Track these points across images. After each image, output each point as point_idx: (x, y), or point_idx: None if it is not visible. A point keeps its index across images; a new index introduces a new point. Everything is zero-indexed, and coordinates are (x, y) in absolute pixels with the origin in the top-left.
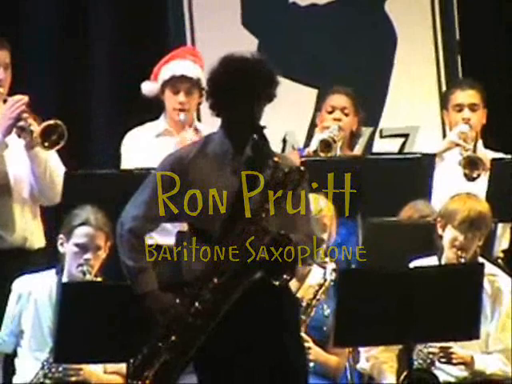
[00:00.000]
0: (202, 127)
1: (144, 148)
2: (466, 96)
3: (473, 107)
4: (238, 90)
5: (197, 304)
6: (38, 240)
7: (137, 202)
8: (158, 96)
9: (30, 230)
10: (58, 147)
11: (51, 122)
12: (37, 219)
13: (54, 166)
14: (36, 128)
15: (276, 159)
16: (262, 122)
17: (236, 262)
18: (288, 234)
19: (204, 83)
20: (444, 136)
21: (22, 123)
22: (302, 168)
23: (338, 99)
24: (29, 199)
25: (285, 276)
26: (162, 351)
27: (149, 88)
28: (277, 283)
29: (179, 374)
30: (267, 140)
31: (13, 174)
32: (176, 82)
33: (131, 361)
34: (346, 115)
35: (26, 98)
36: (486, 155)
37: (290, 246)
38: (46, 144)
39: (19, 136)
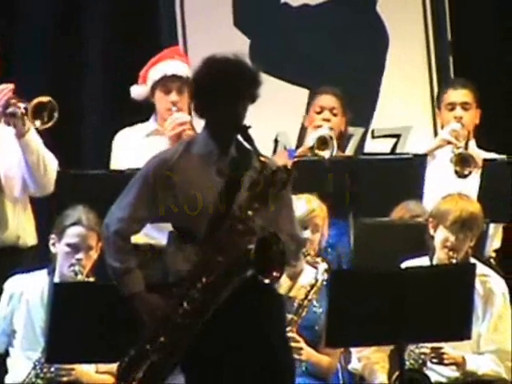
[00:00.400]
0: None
1: (134, 147)
2: (459, 95)
3: (465, 106)
4: (221, 91)
5: (185, 304)
6: (30, 237)
7: (122, 204)
8: (147, 99)
9: (22, 228)
10: (50, 124)
11: (42, 98)
12: (29, 216)
13: (46, 153)
14: (28, 107)
15: (263, 159)
16: (254, 122)
17: (224, 262)
18: (276, 232)
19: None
20: (436, 136)
21: (11, 109)
22: (288, 167)
23: (327, 100)
24: (20, 196)
25: (274, 274)
26: (149, 353)
27: (138, 91)
28: (267, 281)
29: (167, 375)
30: (252, 139)
31: (3, 171)
32: (167, 82)
33: (118, 363)
34: (335, 115)
35: (11, 86)
36: (479, 155)
37: (279, 243)
38: (39, 122)
39: (8, 124)
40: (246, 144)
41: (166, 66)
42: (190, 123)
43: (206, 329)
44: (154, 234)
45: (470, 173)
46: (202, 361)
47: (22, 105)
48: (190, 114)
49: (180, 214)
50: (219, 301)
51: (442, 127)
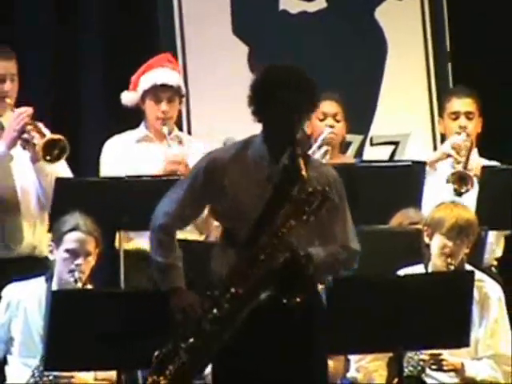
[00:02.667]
0: (182, 135)
1: (123, 153)
2: (463, 104)
3: (469, 115)
4: (280, 100)
5: (215, 311)
6: (46, 248)
7: (170, 199)
8: (138, 105)
9: (38, 239)
10: (60, 161)
11: (54, 136)
12: (45, 229)
13: (60, 173)
14: (39, 141)
15: (303, 174)
16: (254, 129)
17: (254, 276)
18: (310, 253)
19: (183, 90)
20: (434, 143)
21: (25, 135)
22: (326, 189)
23: (329, 106)
24: (37, 212)
25: (297, 299)
26: (181, 351)
27: (128, 98)
28: (286, 302)
29: (193, 377)
30: (298, 154)
31: (20, 186)
32: (157, 91)
33: (154, 355)
34: (338, 121)
35: (30, 110)
36: (480, 165)
37: (308, 265)
38: (48, 158)
39: (24, 148)
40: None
41: (156, 74)
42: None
43: (237, 337)
44: None
45: (468, 191)
46: (232, 372)
47: (35, 134)
48: (177, 122)
49: (226, 215)
50: (244, 313)
51: (444, 136)
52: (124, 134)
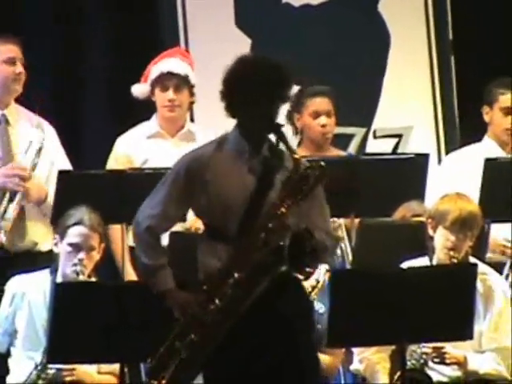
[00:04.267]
0: (194, 128)
1: (135, 150)
2: None
3: None
4: (254, 91)
5: (217, 301)
6: (46, 243)
7: (153, 201)
8: (148, 98)
9: (40, 234)
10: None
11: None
12: (45, 223)
13: None
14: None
15: (296, 156)
16: None
17: (256, 258)
18: (308, 228)
19: (193, 80)
20: (437, 136)
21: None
22: (322, 163)
23: (322, 104)
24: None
25: (308, 269)
26: (179, 350)
27: (139, 90)
28: (300, 276)
29: (196, 374)
30: (286, 137)
31: None
32: (164, 80)
33: (148, 360)
34: (329, 117)
35: (26, 174)
36: None
37: (311, 239)
38: None
39: None
40: (278, 144)
41: (164, 64)
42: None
43: (232, 329)
44: None
45: None
46: (224, 360)
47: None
48: (189, 109)
49: (212, 211)
50: (252, 298)
51: (490, 123)
52: (135, 129)
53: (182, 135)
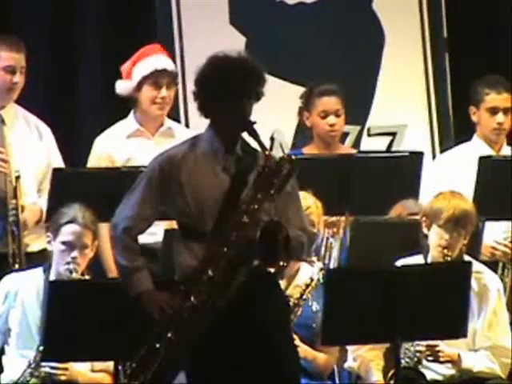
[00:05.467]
0: (174, 125)
1: (115, 150)
2: (503, 100)
3: (507, 111)
4: (226, 90)
5: (193, 298)
6: (39, 242)
7: (129, 202)
8: (131, 94)
9: (29, 236)
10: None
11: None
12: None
13: None
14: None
15: (267, 152)
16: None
17: (229, 253)
18: (279, 221)
19: (178, 78)
20: (432, 134)
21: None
22: (293, 157)
23: (331, 103)
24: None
25: (280, 263)
26: (159, 351)
27: (124, 86)
28: (272, 270)
29: (176, 372)
30: (258, 135)
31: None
32: (157, 77)
33: (127, 364)
34: (338, 116)
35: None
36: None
37: (283, 231)
38: None
39: None
40: (250, 143)
41: (155, 60)
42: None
43: (210, 326)
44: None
45: None
46: (204, 357)
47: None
48: (173, 107)
49: (187, 211)
50: (228, 294)
51: (478, 123)
52: (114, 128)
53: (163, 132)
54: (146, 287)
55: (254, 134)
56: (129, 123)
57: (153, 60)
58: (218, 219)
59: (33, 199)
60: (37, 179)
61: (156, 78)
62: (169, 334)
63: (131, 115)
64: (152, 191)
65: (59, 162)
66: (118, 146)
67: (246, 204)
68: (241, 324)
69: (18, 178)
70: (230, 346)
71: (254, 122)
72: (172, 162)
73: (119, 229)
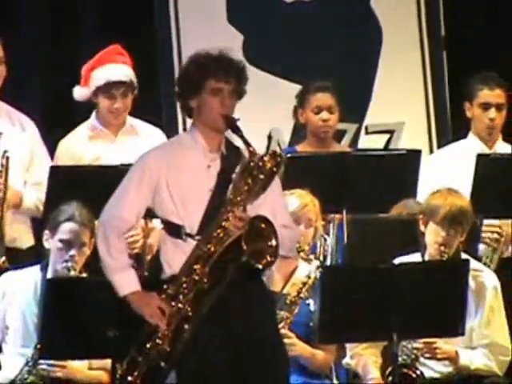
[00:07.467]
0: (136, 122)
1: (78, 154)
2: (495, 96)
3: (499, 107)
4: (207, 89)
5: (181, 297)
6: (26, 239)
7: (116, 201)
8: (89, 100)
9: (18, 231)
10: None
11: None
12: (24, 219)
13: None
14: None
15: (251, 149)
16: (248, 118)
17: (216, 250)
18: (266, 216)
19: (135, 80)
20: (429, 131)
21: None
22: (278, 152)
23: (324, 99)
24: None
25: (268, 259)
26: (149, 351)
27: (80, 93)
28: (260, 266)
29: (168, 372)
30: (241, 131)
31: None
32: (111, 89)
33: (117, 365)
34: (332, 113)
35: None
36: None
37: (270, 227)
38: None
39: None
40: (234, 141)
41: (109, 70)
42: None
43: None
44: None
45: None
46: (194, 355)
47: None
48: (130, 114)
49: (172, 209)
50: (216, 291)
51: (471, 119)
52: (76, 131)
53: (125, 131)
54: (134, 288)
55: (237, 130)
56: (92, 125)
57: (107, 70)
58: (203, 217)
59: (19, 188)
60: (21, 170)
61: (110, 88)
62: (159, 334)
63: (93, 117)
64: (138, 190)
65: (43, 153)
66: (83, 149)
67: (232, 201)
68: (228, 321)
69: (7, 158)
70: (218, 343)
71: (237, 119)
72: (158, 160)
73: (106, 227)
